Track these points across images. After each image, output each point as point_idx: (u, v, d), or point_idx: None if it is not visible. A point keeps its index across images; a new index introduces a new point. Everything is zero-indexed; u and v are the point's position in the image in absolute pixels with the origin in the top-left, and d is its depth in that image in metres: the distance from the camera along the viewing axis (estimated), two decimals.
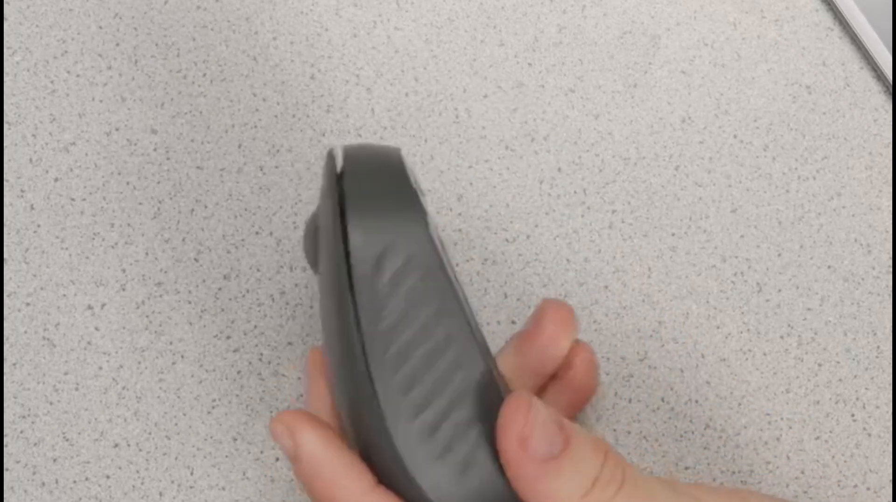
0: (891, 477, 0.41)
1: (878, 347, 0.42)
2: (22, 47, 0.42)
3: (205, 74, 0.42)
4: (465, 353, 0.31)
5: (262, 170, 0.42)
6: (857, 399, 0.41)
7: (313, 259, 0.35)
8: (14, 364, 0.41)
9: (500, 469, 0.31)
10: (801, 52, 0.43)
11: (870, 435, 0.41)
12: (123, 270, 0.41)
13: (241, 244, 0.41)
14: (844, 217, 0.42)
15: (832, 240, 0.42)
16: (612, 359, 0.41)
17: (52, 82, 0.42)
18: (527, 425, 0.30)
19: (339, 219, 0.32)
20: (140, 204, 0.42)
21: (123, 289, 0.41)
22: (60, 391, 0.40)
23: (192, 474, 0.40)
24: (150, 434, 0.40)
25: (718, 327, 0.42)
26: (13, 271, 0.41)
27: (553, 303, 0.37)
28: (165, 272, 0.41)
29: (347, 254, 0.31)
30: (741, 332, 0.42)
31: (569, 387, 0.37)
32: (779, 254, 0.42)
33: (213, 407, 0.41)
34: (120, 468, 0.40)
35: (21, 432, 0.40)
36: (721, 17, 0.43)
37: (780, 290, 0.42)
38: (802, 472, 0.41)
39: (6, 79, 0.42)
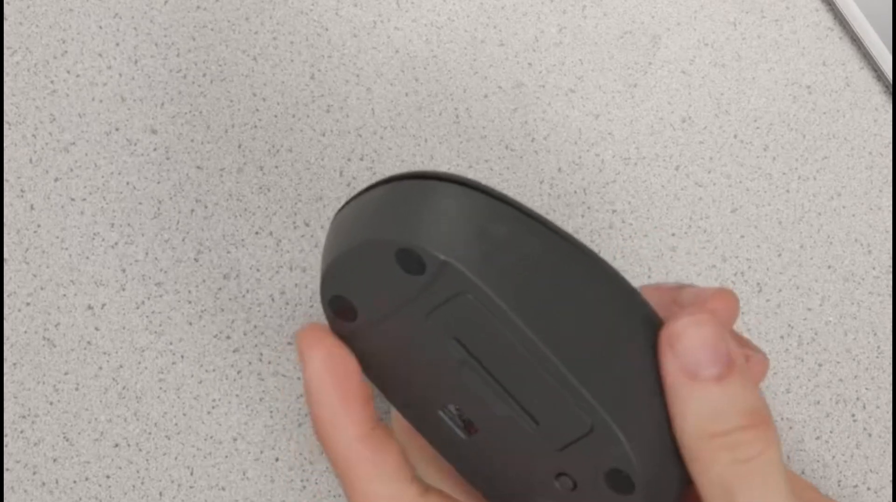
0: (891, 477, 0.41)
1: (879, 347, 0.42)
2: (22, 47, 0.42)
3: (205, 74, 0.42)
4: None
5: (262, 170, 0.42)
6: (858, 399, 0.41)
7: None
8: (14, 364, 0.41)
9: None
10: (801, 52, 0.43)
11: (870, 435, 0.41)
12: (123, 270, 0.41)
13: (241, 244, 0.41)
14: (844, 217, 0.42)
15: (832, 240, 0.42)
16: None
17: (52, 82, 0.42)
18: (686, 336, 0.28)
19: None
20: (140, 204, 0.42)
21: (123, 289, 0.41)
22: (60, 391, 0.40)
23: (192, 474, 0.40)
24: (150, 434, 0.40)
25: None
26: (13, 271, 0.41)
27: (724, 293, 0.33)
28: (165, 272, 0.41)
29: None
30: (741, 332, 0.42)
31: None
32: (779, 254, 0.42)
33: (213, 408, 0.41)
34: (120, 468, 0.40)
35: (21, 432, 0.40)
36: (721, 17, 0.43)
37: (780, 290, 0.42)
38: (802, 472, 0.41)
39: (6, 79, 0.42)
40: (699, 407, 0.28)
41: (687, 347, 0.28)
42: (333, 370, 0.30)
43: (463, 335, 0.30)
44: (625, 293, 0.29)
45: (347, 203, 0.32)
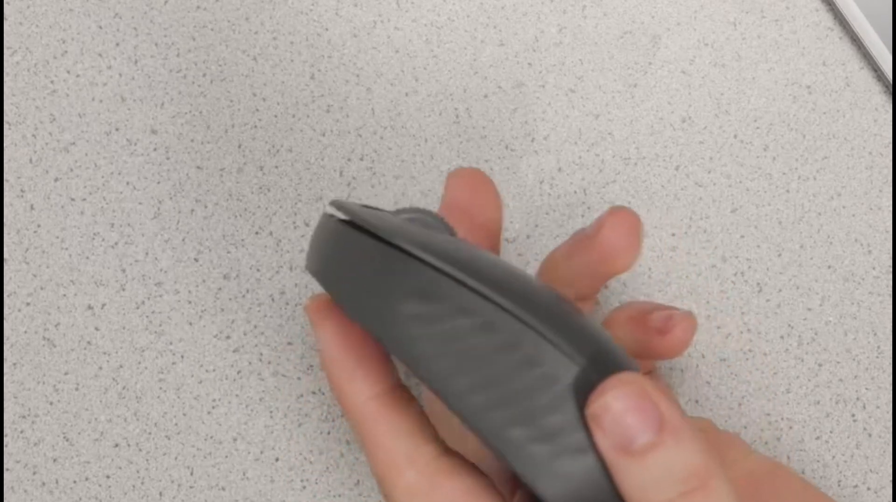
0: (891, 477, 0.41)
1: (879, 347, 0.42)
2: (22, 47, 0.42)
3: (205, 74, 0.42)
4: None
5: (262, 170, 0.42)
6: (858, 399, 0.41)
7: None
8: (14, 364, 0.41)
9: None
10: (801, 52, 0.43)
11: (870, 435, 0.41)
12: (123, 270, 0.41)
13: (241, 244, 0.41)
14: (844, 217, 0.42)
15: (832, 240, 0.42)
16: None
17: (52, 82, 0.42)
18: (609, 403, 0.27)
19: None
20: (140, 204, 0.42)
21: (123, 289, 0.41)
22: (60, 391, 0.40)
23: (192, 474, 0.40)
24: (150, 434, 0.40)
25: (718, 327, 0.42)
26: (13, 271, 0.41)
27: (618, 210, 0.33)
28: (165, 272, 0.41)
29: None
30: (741, 332, 0.42)
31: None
32: (779, 254, 0.42)
33: (213, 408, 0.41)
34: (120, 468, 0.40)
35: (21, 432, 0.40)
36: (721, 17, 0.43)
37: (780, 290, 0.42)
38: (802, 472, 0.41)
39: (6, 79, 0.42)
40: (637, 480, 0.27)
41: (614, 420, 0.27)
42: (345, 333, 0.31)
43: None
44: (562, 358, 0.28)
45: (341, 218, 0.32)
